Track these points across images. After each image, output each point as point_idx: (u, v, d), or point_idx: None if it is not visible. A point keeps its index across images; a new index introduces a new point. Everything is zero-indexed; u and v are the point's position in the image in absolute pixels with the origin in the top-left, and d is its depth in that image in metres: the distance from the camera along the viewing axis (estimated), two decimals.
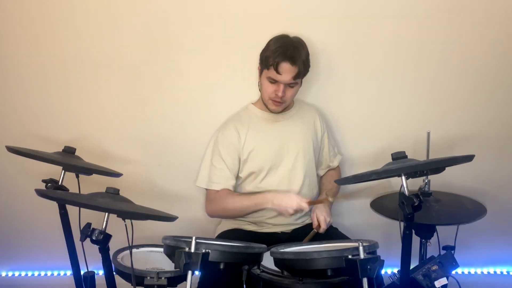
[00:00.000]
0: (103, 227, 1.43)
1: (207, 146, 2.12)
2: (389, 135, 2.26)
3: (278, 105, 1.98)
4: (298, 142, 2.07)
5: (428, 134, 1.85)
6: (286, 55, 1.85)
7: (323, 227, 1.93)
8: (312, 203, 1.98)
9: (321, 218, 1.94)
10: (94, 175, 1.84)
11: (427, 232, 1.84)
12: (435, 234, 1.85)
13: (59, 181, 1.76)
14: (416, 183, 1.80)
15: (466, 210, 1.82)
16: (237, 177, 2.06)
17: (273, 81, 1.91)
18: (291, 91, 1.95)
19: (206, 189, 2.07)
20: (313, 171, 2.13)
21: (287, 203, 1.88)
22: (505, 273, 2.52)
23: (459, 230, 1.91)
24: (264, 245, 1.55)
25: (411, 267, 1.62)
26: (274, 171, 2.04)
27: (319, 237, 1.91)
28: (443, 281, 1.70)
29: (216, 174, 2.03)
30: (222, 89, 2.21)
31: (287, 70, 1.87)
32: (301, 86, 2.00)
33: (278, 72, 1.87)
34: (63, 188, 1.76)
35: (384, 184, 1.83)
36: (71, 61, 2.15)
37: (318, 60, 2.12)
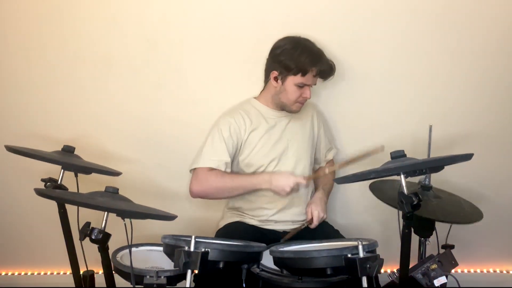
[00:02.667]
0: (103, 226, 1.43)
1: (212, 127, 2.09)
2: (388, 133, 2.25)
3: (303, 104, 2.04)
4: (297, 138, 2.07)
5: (430, 128, 1.85)
6: (323, 61, 1.95)
7: (315, 223, 1.95)
8: (310, 178, 2.02)
9: (315, 213, 1.96)
10: (93, 174, 1.84)
11: (426, 230, 1.84)
12: (434, 233, 1.85)
13: (58, 180, 1.76)
14: (416, 178, 1.79)
15: (463, 211, 1.82)
16: (238, 168, 2.05)
17: (302, 85, 1.95)
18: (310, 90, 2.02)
19: (195, 169, 2.00)
20: (312, 167, 2.13)
21: (284, 182, 1.90)
22: (504, 272, 2.52)
23: (459, 229, 1.92)
24: (263, 244, 1.56)
25: (410, 266, 1.62)
26: (274, 165, 2.03)
27: (318, 236, 1.91)
28: (442, 280, 1.71)
29: (213, 152, 1.99)
30: (222, 88, 2.21)
31: (327, 73, 1.99)
32: None
33: (321, 77, 1.98)
34: (62, 187, 1.76)
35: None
36: (70, 60, 2.15)
37: None
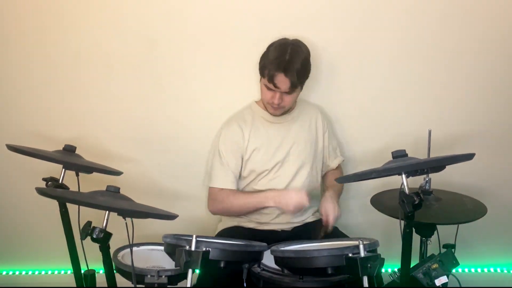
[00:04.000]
0: (104, 225, 1.43)
1: (212, 145, 2.12)
2: (389, 133, 2.25)
3: (276, 110, 2.00)
4: (300, 142, 2.07)
5: (429, 132, 1.85)
6: (280, 67, 1.85)
7: (331, 223, 1.92)
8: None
9: (330, 218, 1.91)
10: (94, 173, 1.84)
11: (427, 230, 1.84)
12: (435, 232, 1.85)
13: (59, 179, 1.76)
14: (416, 182, 1.79)
15: (467, 209, 1.82)
16: (240, 177, 2.06)
17: (270, 89, 1.92)
18: (289, 97, 1.95)
19: (209, 187, 2.07)
20: (315, 172, 2.12)
21: (287, 201, 1.89)
22: (505, 271, 2.52)
23: (459, 228, 1.91)
24: (264, 244, 1.56)
25: (412, 265, 1.62)
26: (276, 172, 2.04)
27: (319, 236, 1.92)
28: (443, 279, 1.71)
29: (219, 172, 2.03)
30: (223, 88, 2.21)
31: (281, 81, 1.87)
32: (302, 90, 2.00)
33: (273, 84, 1.88)
34: (63, 187, 1.76)
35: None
36: (71, 59, 2.15)
37: (319, 59, 2.12)
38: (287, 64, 1.86)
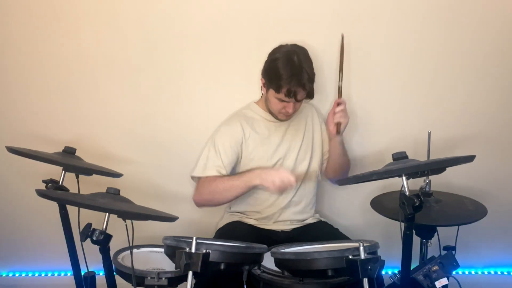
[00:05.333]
0: (104, 227, 1.43)
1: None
2: (389, 135, 2.25)
3: (288, 117, 2.01)
4: (298, 140, 2.08)
5: (429, 134, 1.85)
6: (299, 84, 1.86)
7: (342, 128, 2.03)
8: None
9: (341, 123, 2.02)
10: (94, 175, 1.85)
11: (427, 232, 1.84)
12: (435, 234, 1.85)
13: (59, 181, 1.76)
14: (417, 184, 1.79)
15: (467, 211, 1.82)
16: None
17: (281, 100, 1.92)
18: (299, 104, 1.98)
19: (194, 176, 2.03)
20: (314, 168, 2.13)
21: (273, 178, 1.85)
22: (506, 273, 2.52)
23: (460, 230, 1.91)
24: (264, 246, 1.55)
25: (412, 267, 1.61)
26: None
27: (319, 238, 1.91)
28: (443, 281, 1.70)
29: (206, 161, 2.00)
30: (223, 89, 2.21)
31: (300, 94, 1.90)
32: None
33: (295, 98, 1.89)
34: (63, 189, 1.76)
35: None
36: (71, 60, 2.16)
37: (318, 61, 2.11)
38: (303, 78, 1.86)
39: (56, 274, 2.44)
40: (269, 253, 1.56)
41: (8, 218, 2.37)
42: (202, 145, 2.14)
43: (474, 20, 2.14)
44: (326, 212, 2.31)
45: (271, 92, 1.93)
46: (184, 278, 1.35)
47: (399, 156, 1.51)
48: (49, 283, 2.41)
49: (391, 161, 1.52)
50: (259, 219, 2.06)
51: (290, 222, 2.07)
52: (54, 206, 1.70)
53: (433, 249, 1.86)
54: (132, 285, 1.51)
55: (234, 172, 2.05)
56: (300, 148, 2.07)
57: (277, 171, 1.91)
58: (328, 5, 2.12)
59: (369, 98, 2.25)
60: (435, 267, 1.72)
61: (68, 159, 1.81)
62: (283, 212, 2.05)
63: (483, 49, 2.18)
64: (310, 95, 1.94)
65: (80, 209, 1.69)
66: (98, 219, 1.45)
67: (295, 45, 1.96)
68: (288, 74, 1.86)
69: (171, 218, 1.49)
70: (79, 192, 1.78)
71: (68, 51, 2.14)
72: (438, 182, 1.83)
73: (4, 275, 2.47)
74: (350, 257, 1.37)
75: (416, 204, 1.39)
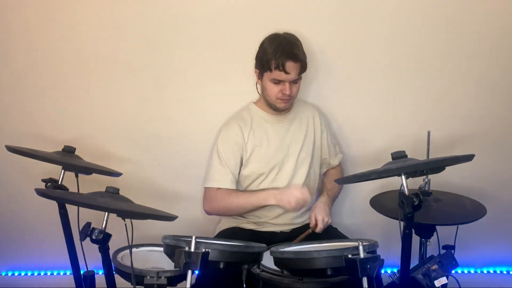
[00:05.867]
0: (103, 226, 1.43)
1: (212, 145, 2.12)
2: (389, 134, 2.25)
3: (287, 102, 1.99)
4: (299, 141, 2.07)
5: (428, 133, 1.85)
6: (289, 54, 1.86)
7: (320, 227, 1.94)
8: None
9: (319, 217, 1.94)
10: (93, 174, 1.84)
11: (427, 231, 1.84)
12: (435, 233, 1.85)
13: (58, 180, 1.76)
14: (416, 183, 1.80)
15: (466, 210, 1.82)
16: (240, 177, 2.05)
17: (278, 82, 1.91)
18: (296, 86, 1.96)
19: (205, 187, 2.06)
20: (314, 170, 2.12)
21: (289, 198, 1.88)
22: (505, 272, 2.52)
23: (459, 229, 1.91)
24: (264, 245, 1.55)
25: (411, 266, 1.62)
26: (276, 172, 2.03)
27: (318, 237, 1.91)
28: (443, 280, 1.71)
29: (217, 172, 2.02)
30: (222, 88, 2.21)
31: (292, 68, 1.87)
32: (301, 79, 2.00)
33: (285, 72, 1.87)
34: (62, 188, 1.76)
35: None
36: (70, 60, 2.15)
37: (317, 59, 2.12)
38: (292, 49, 1.88)
39: (55, 273, 2.44)
40: (268, 252, 1.56)
41: (8, 217, 2.37)
42: (201, 144, 2.15)
43: (475, 19, 2.14)
44: None
45: (266, 75, 1.93)
46: (184, 277, 1.36)
47: (398, 155, 1.51)
48: (48, 282, 2.41)
49: (390, 160, 1.52)
50: (258, 223, 2.06)
51: (289, 225, 2.07)
52: (53, 205, 1.70)
53: (432, 248, 1.86)
54: (132, 284, 1.51)
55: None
56: (301, 151, 2.06)
57: (291, 190, 1.92)
58: (327, 2, 2.12)
59: (368, 97, 2.25)
60: (435, 266, 1.72)
61: (67, 158, 1.81)
62: (282, 216, 2.05)
63: (483, 49, 2.18)
64: (302, 68, 1.92)
65: (80, 208, 1.68)
66: (98, 218, 1.45)
67: (286, 33, 1.97)
68: (274, 47, 1.88)
69: (170, 217, 1.49)
70: (79, 191, 1.78)
71: (67, 50, 2.14)
72: (438, 181, 1.83)
73: (3, 274, 2.47)
74: (350, 256, 1.37)
75: (416, 203, 1.39)
